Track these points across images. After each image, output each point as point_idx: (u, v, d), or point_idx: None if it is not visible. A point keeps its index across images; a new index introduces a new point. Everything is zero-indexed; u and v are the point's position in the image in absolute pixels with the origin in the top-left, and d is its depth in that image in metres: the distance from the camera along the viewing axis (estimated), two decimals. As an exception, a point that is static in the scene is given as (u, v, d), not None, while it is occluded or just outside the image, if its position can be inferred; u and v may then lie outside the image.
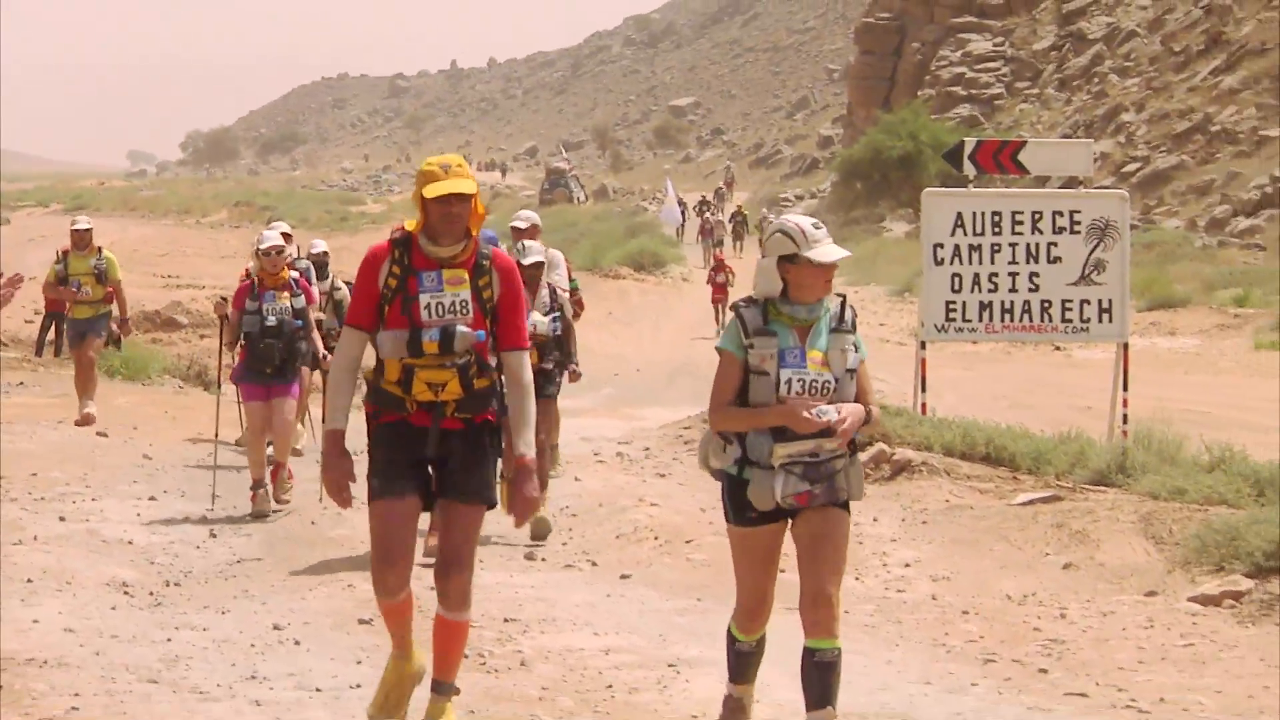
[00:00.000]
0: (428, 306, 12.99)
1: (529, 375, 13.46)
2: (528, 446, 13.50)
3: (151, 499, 24.45)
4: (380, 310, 12.96)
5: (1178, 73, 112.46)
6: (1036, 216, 37.30)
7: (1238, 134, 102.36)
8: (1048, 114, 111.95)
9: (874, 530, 27.24)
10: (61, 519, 27.36)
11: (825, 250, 14.08)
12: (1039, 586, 23.59)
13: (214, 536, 23.75)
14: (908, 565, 24.87)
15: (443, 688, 13.68)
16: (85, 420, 35.26)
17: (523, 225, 26.71)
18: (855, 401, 14.09)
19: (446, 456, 13.22)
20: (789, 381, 13.58)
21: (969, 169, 38.12)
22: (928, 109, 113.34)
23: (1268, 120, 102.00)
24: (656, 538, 24.66)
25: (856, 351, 14.35)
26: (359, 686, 17.97)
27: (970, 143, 40.10)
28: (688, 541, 25.69)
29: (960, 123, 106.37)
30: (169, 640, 20.18)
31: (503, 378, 13.81)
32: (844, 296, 14.33)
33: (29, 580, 23.07)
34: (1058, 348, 41.07)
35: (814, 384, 13.61)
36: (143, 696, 17.77)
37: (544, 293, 21.95)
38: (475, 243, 13.05)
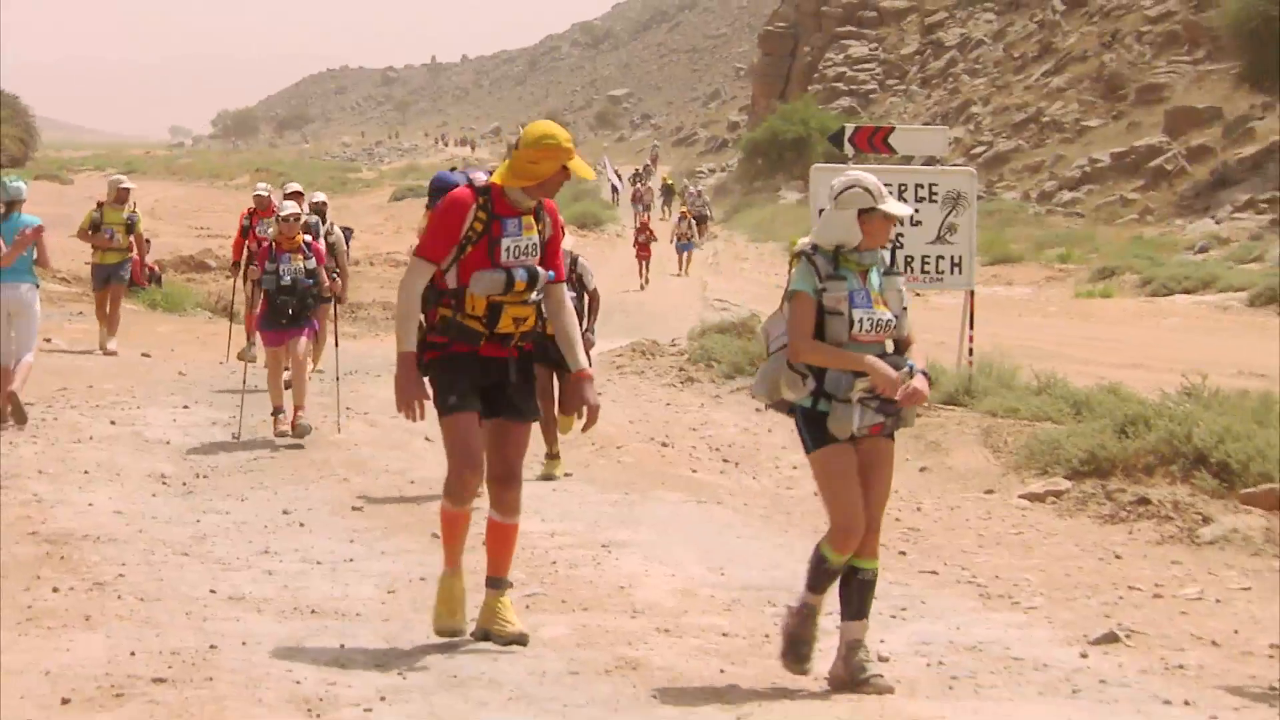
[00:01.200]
0: (508, 249, 12.99)
1: (570, 304, 13.53)
2: (582, 361, 13.63)
3: (185, 408, 24.47)
4: (458, 249, 12.86)
5: (1016, 74, 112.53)
6: (902, 188, 37.31)
7: (1063, 124, 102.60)
8: (912, 106, 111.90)
9: (769, 440, 27.17)
10: (112, 423, 27.51)
11: (896, 205, 13.92)
12: (900, 486, 23.44)
13: (235, 439, 23.66)
14: (795, 468, 24.73)
15: (499, 583, 13.52)
16: (106, 353, 35.13)
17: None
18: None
19: (504, 382, 13.19)
20: (860, 320, 13.27)
21: (848, 149, 38.36)
22: (816, 101, 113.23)
23: (1087, 114, 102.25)
24: (593, 444, 24.51)
25: (901, 295, 13.98)
26: (351, 560, 18.20)
27: (849, 128, 40.64)
28: (618, 447, 25.57)
29: (842, 112, 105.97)
30: (198, 521, 20.25)
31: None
32: (889, 245, 14.99)
33: (85, 472, 23.24)
34: (918, 294, 41.04)
35: (880, 322, 13.36)
36: (176, 566, 17.90)
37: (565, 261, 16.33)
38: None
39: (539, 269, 13.07)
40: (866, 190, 13.62)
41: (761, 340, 14.44)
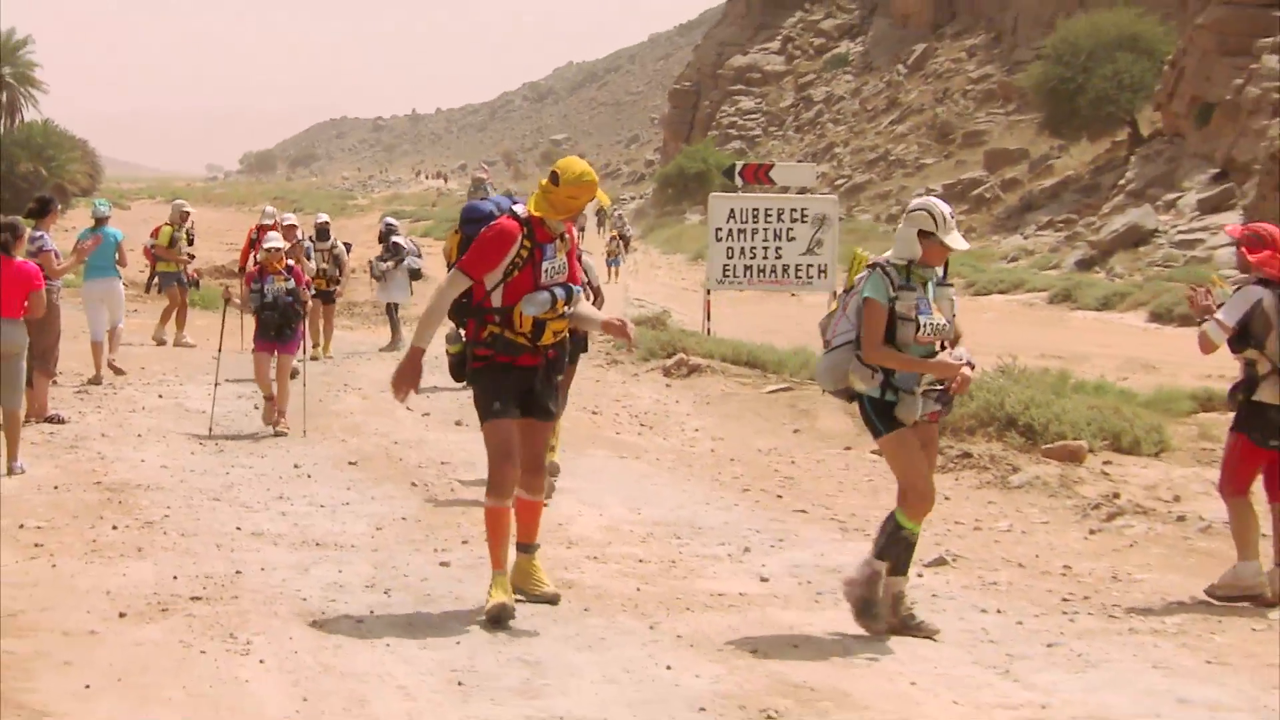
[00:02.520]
0: (547, 270, 12.69)
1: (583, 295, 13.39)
2: (601, 317, 13.60)
3: (216, 384, 24.31)
4: (504, 273, 12.53)
5: (869, 123, 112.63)
6: (780, 212, 37.36)
7: (906, 162, 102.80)
8: (788, 147, 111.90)
9: (676, 408, 27.22)
10: (160, 396, 27.66)
11: (957, 239, 13.40)
12: (778, 444, 23.60)
13: (257, 409, 23.61)
14: (696, 430, 24.84)
15: (529, 548, 13.42)
16: (178, 342, 35.56)
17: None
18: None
19: (538, 388, 12.93)
20: (924, 325, 13.04)
21: (738, 181, 38.58)
22: (713, 143, 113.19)
23: (924, 154, 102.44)
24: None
25: (952, 303, 13.67)
26: (347, 504, 18.35)
27: (739, 164, 41.19)
28: (594, 413, 25.56)
29: (733, 152, 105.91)
30: (227, 474, 20.23)
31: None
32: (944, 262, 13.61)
33: (139, 435, 23.23)
34: (793, 295, 40.88)
35: (938, 326, 13.13)
36: (210, 508, 17.90)
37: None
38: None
39: (571, 285, 12.91)
40: (932, 216, 13.33)
41: (820, 335, 14.11)
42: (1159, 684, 12.11)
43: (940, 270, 13.71)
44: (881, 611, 13.13)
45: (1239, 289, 14.35)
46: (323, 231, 36.07)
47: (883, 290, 13.02)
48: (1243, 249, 14.56)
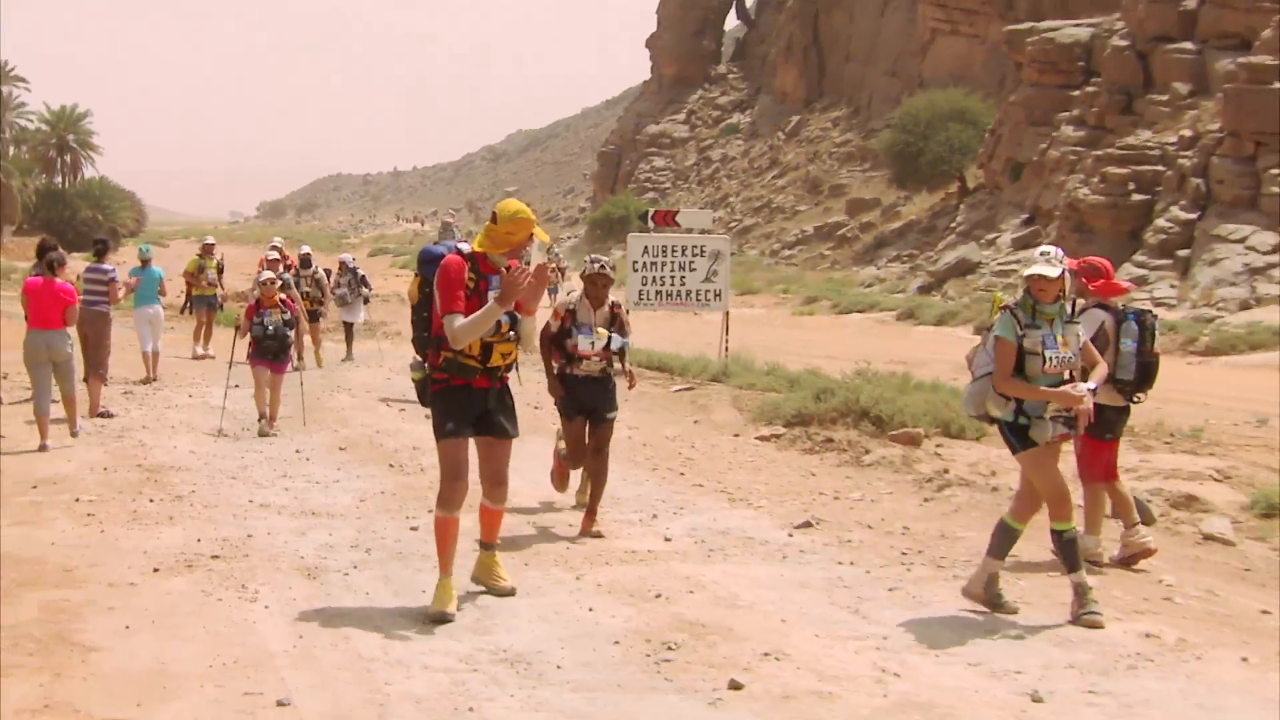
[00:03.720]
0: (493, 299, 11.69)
1: (531, 323, 12.96)
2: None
3: (235, 386, 24.25)
4: (467, 302, 11.66)
5: (756, 178, 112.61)
6: (684, 248, 37.34)
7: (784, 209, 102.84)
8: (691, 197, 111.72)
9: (600, 404, 27.34)
10: (189, 396, 27.59)
11: (1041, 266, 12.82)
12: (681, 432, 23.61)
13: (263, 419, 23.46)
14: (619, 421, 24.84)
15: (489, 546, 12.62)
16: (202, 357, 35.46)
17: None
18: (1084, 364, 13.23)
19: (492, 409, 12.08)
20: (1050, 358, 12.66)
21: (651, 224, 38.65)
22: (632, 193, 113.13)
23: (798, 202, 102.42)
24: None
25: (1078, 338, 13.17)
26: (337, 481, 18.38)
27: (651, 210, 41.24)
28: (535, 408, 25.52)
29: (648, 201, 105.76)
30: (242, 458, 20.14)
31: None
32: (1073, 300, 13.16)
33: (172, 427, 23.23)
34: (695, 314, 40.84)
35: (1063, 359, 12.71)
36: (227, 485, 17.89)
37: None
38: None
39: (515, 312, 11.94)
40: (1033, 261, 13.12)
41: (968, 368, 13.64)
42: (975, 618, 12.21)
43: (1070, 308, 13.27)
44: (1004, 601, 12.84)
45: (1084, 311, 14.30)
46: (305, 260, 36.35)
47: (1011, 329, 12.81)
48: (1082, 278, 14.58)
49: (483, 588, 12.56)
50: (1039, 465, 13.00)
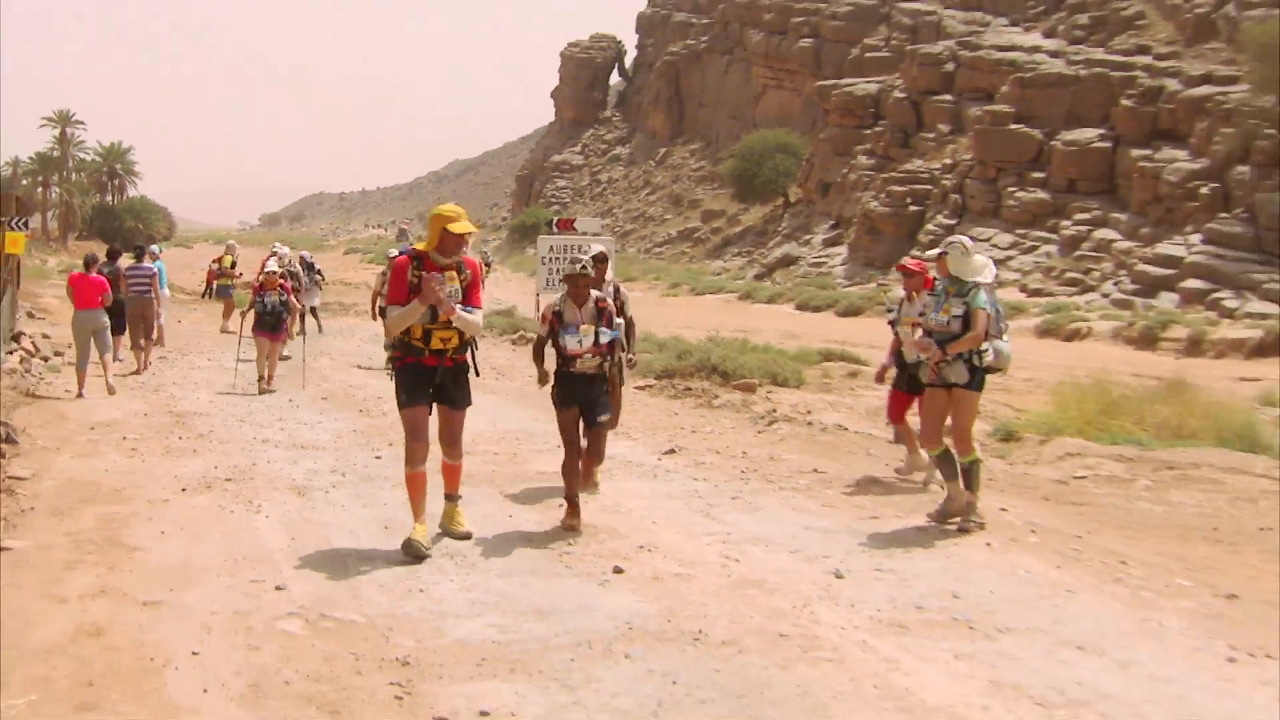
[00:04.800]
0: (448, 291, 10.68)
1: (478, 314, 10.92)
2: (462, 310, 10.75)
3: (243, 358, 24.05)
4: (409, 295, 10.70)
5: (633, 194, 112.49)
6: (579, 246, 37.25)
7: (654, 217, 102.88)
8: (585, 209, 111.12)
9: (518, 363, 27.20)
10: (208, 360, 27.34)
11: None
12: (646, 405, 23.56)
13: (262, 379, 23.12)
14: (530, 377, 24.66)
15: (452, 498, 11.58)
16: (228, 331, 35.19)
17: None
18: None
19: (444, 383, 11.03)
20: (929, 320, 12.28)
21: (555, 229, 38.52)
22: (541, 207, 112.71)
23: (665, 213, 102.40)
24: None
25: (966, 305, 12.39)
26: (320, 422, 18.17)
27: (555, 219, 41.11)
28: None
29: (553, 211, 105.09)
30: (248, 406, 19.93)
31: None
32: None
33: (195, 383, 22.99)
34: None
35: (930, 322, 12.18)
36: (237, 426, 17.70)
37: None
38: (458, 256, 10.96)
39: (459, 305, 10.76)
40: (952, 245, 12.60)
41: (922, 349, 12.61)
42: (794, 518, 12.31)
43: (964, 283, 12.47)
44: (974, 519, 12.07)
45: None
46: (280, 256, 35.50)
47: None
48: (925, 276, 14.47)
49: (444, 531, 11.59)
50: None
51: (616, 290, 13.67)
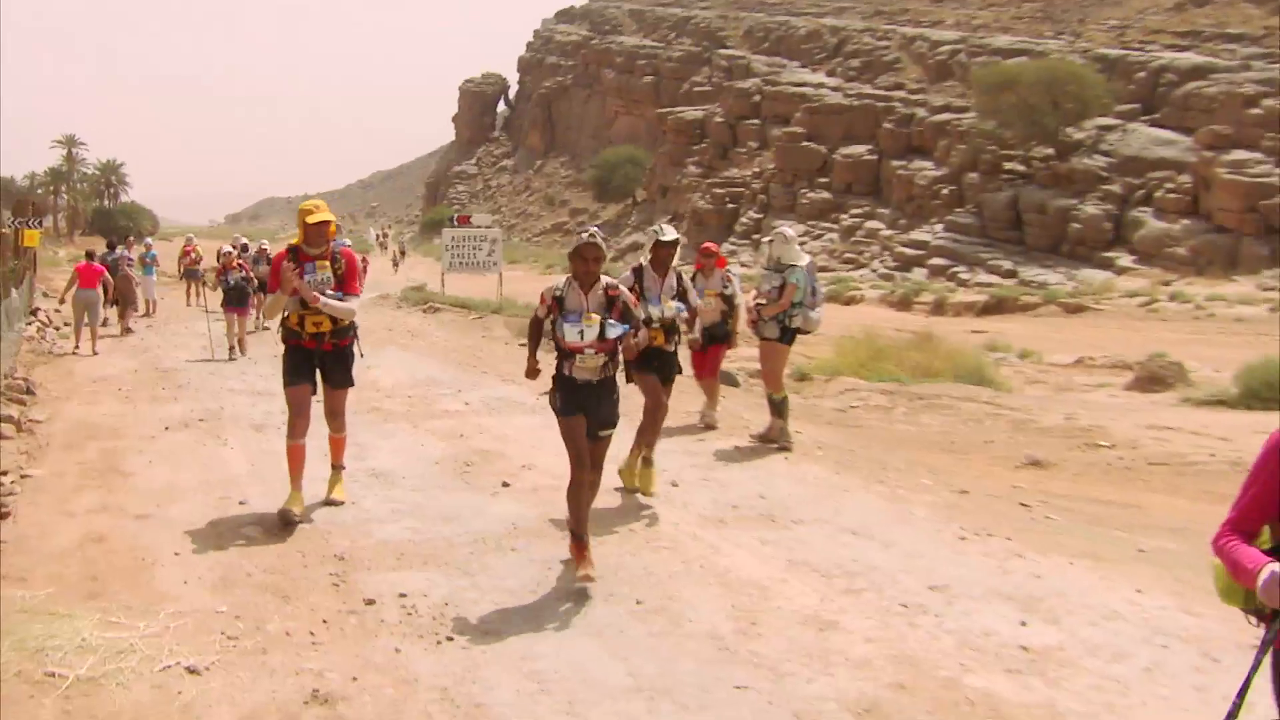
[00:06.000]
0: (309, 282, 9.10)
1: (352, 301, 9.28)
2: (328, 298, 9.19)
3: (209, 326, 23.62)
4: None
5: (516, 197, 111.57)
6: (475, 237, 36.99)
7: (532, 214, 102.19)
8: (480, 207, 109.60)
9: (429, 328, 26.79)
10: (185, 328, 26.43)
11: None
12: (475, 343, 23.27)
13: (232, 350, 22.63)
14: (438, 337, 24.47)
15: (337, 467, 9.91)
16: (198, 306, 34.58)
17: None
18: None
19: (326, 365, 9.51)
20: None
21: (456, 223, 38.03)
22: (445, 206, 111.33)
23: (542, 211, 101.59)
24: (388, 329, 24.32)
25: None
26: (274, 375, 17.34)
27: (455, 215, 40.64)
28: (389, 331, 25.16)
29: (455, 210, 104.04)
30: (218, 365, 19.58)
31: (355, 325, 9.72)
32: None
33: (176, 347, 22.51)
34: (484, 275, 40.12)
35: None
36: (209, 379, 17.38)
37: (671, 278, 10.21)
38: (330, 246, 9.39)
39: (330, 293, 9.21)
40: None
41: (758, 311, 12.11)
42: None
43: (784, 264, 12.10)
44: (787, 440, 11.81)
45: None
46: (244, 248, 33.84)
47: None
48: (719, 256, 13.45)
49: (327, 499, 9.82)
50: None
51: (679, 278, 10.18)
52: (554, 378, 7.88)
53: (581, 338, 7.65)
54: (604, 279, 7.76)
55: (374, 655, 6.25)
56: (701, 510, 9.45)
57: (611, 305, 7.77)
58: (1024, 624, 6.81)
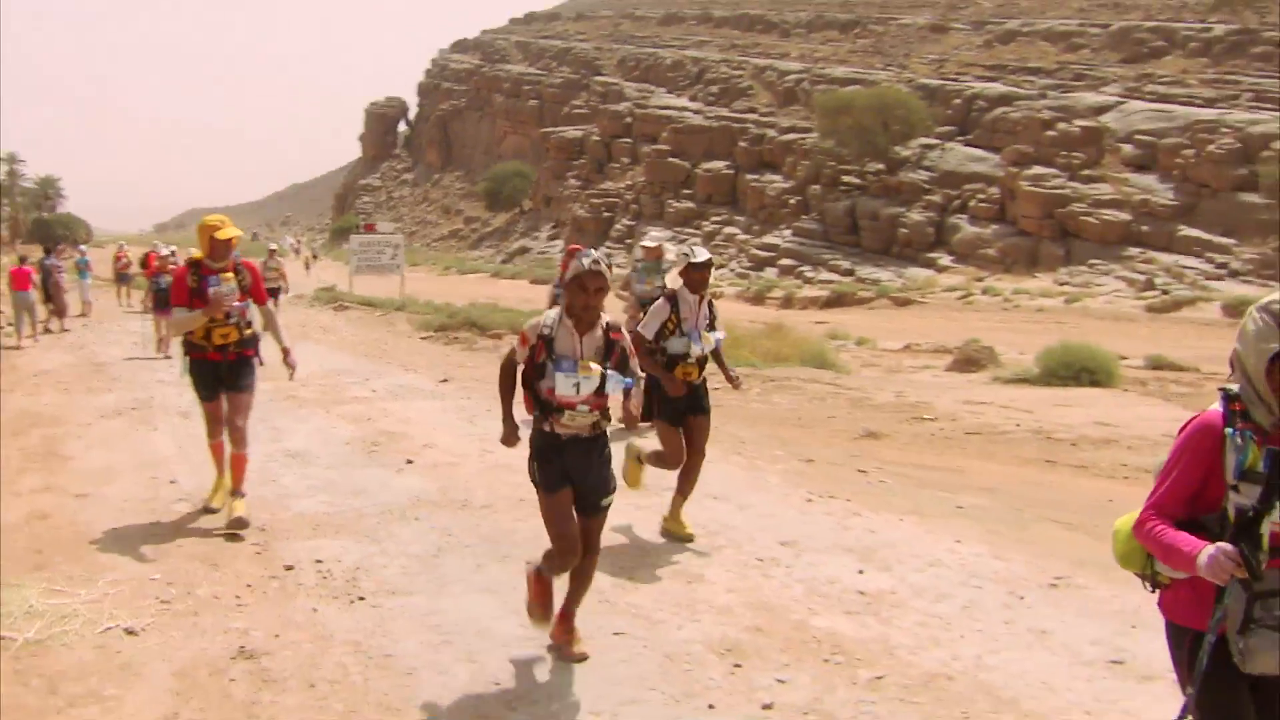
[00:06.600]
0: (214, 295, 8.05)
1: (273, 312, 8.68)
2: (286, 343, 8.62)
3: (145, 322, 22.97)
4: (190, 298, 8.10)
5: (417, 207, 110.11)
6: (378, 242, 36.50)
7: (432, 222, 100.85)
8: (384, 216, 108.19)
9: (339, 324, 26.33)
10: (119, 326, 25.54)
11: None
12: (381, 336, 22.98)
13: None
14: (347, 333, 24.06)
15: (237, 493, 8.34)
16: (133, 312, 33.36)
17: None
18: None
19: (229, 373, 8.32)
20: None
21: (362, 230, 37.41)
22: (353, 215, 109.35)
23: (440, 219, 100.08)
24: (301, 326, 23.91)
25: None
26: None
27: (362, 223, 40.02)
28: (303, 325, 24.61)
29: (362, 218, 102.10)
30: (146, 359, 18.92)
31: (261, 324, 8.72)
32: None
33: (109, 343, 21.41)
34: (386, 277, 39.53)
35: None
36: (139, 372, 16.63)
37: (704, 305, 7.80)
38: (232, 258, 8.36)
39: (235, 304, 8.26)
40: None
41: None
42: (525, 418, 12.26)
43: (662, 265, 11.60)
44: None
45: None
46: (173, 255, 33.12)
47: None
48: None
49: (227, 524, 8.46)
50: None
51: (710, 305, 7.90)
52: (531, 439, 5.55)
53: (578, 392, 5.33)
54: (605, 317, 5.49)
55: (294, 615, 6.17)
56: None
57: (611, 350, 5.44)
58: (861, 572, 6.96)
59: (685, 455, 7.77)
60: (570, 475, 5.44)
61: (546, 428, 5.47)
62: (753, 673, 5.41)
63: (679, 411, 7.68)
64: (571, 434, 5.45)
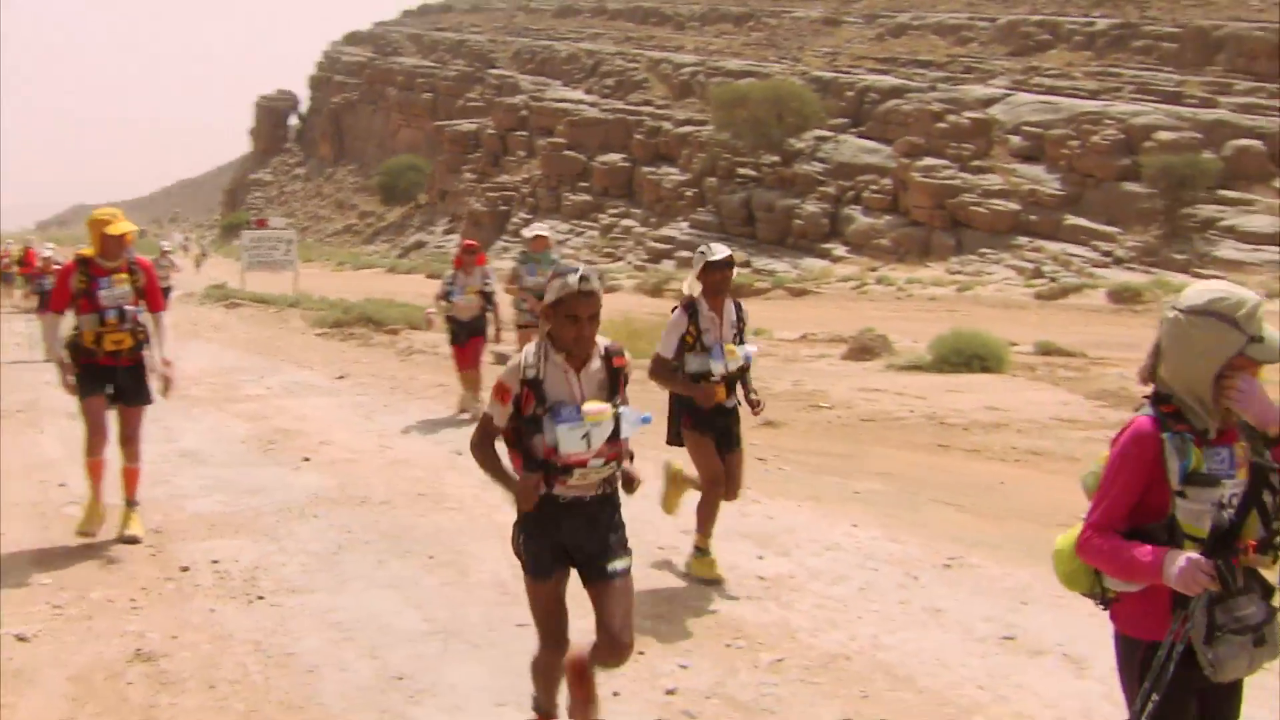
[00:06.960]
0: (105, 297, 7.41)
1: (165, 321, 7.64)
2: (167, 353, 7.71)
3: (30, 318, 22.25)
4: (73, 300, 7.48)
5: (310, 201, 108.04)
6: (272, 238, 35.92)
7: (324, 218, 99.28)
8: (275, 211, 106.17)
9: (231, 321, 25.92)
10: (6, 327, 24.90)
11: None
12: (275, 334, 22.64)
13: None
14: (239, 331, 23.66)
15: (131, 503, 7.82)
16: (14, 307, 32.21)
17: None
18: None
19: (122, 383, 7.60)
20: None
21: (254, 226, 36.66)
22: (245, 211, 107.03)
23: (332, 214, 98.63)
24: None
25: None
26: None
27: (253, 219, 39.22)
28: (214, 325, 24.11)
29: (253, 214, 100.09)
30: (34, 362, 18.35)
31: (151, 331, 7.71)
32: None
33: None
34: (277, 273, 38.79)
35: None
36: (27, 374, 16.20)
37: (730, 311, 6.57)
38: (126, 257, 7.60)
39: (129, 308, 7.54)
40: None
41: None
42: (426, 416, 12.24)
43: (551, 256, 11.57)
44: None
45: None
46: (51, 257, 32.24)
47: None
48: (480, 254, 13.20)
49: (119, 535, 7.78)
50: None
51: (738, 309, 6.75)
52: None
53: (589, 446, 4.01)
54: (601, 342, 4.15)
55: (191, 616, 6.09)
56: (482, 475, 9.46)
57: (617, 382, 4.17)
58: (761, 558, 7.09)
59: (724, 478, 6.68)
60: (568, 549, 4.14)
61: (548, 489, 4.09)
62: (655, 659, 5.48)
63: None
64: (576, 496, 4.10)
